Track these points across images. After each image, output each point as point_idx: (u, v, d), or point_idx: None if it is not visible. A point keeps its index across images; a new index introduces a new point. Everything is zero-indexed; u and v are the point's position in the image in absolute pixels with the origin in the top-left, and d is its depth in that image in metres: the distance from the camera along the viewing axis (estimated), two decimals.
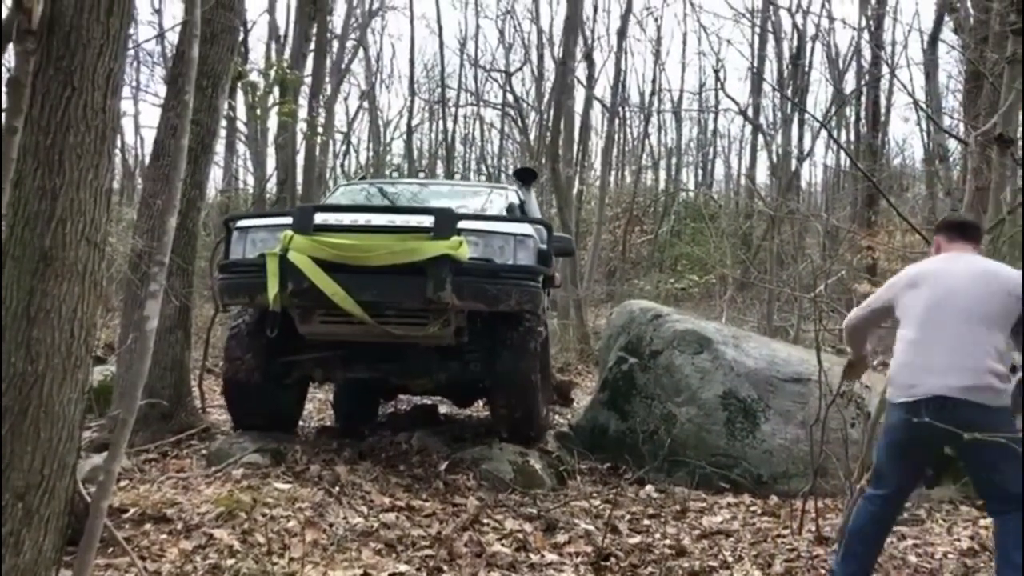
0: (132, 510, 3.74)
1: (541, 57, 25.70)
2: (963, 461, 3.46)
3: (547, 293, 5.91)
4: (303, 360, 5.64)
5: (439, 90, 28.76)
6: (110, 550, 3.25)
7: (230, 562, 3.28)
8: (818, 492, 4.62)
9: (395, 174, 7.76)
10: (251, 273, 4.89)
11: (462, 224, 4.89)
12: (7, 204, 2.02)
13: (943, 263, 3.53)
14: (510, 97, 27.82)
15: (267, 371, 5.45)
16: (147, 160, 9.03)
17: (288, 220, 4.96)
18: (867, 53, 20.84)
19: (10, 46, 2.08)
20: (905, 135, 59.20)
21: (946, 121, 14.45)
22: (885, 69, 18.88)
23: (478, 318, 5.37)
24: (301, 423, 6.72)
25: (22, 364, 2.01)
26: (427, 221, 4.88)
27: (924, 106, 15.10)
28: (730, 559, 4.17)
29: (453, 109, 28.50)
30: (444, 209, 5.08)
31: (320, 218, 4.95)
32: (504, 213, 6.53)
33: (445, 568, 3.64)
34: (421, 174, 7.50)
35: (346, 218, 5.04)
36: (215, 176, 20.81)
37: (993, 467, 3.20)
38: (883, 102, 21.66)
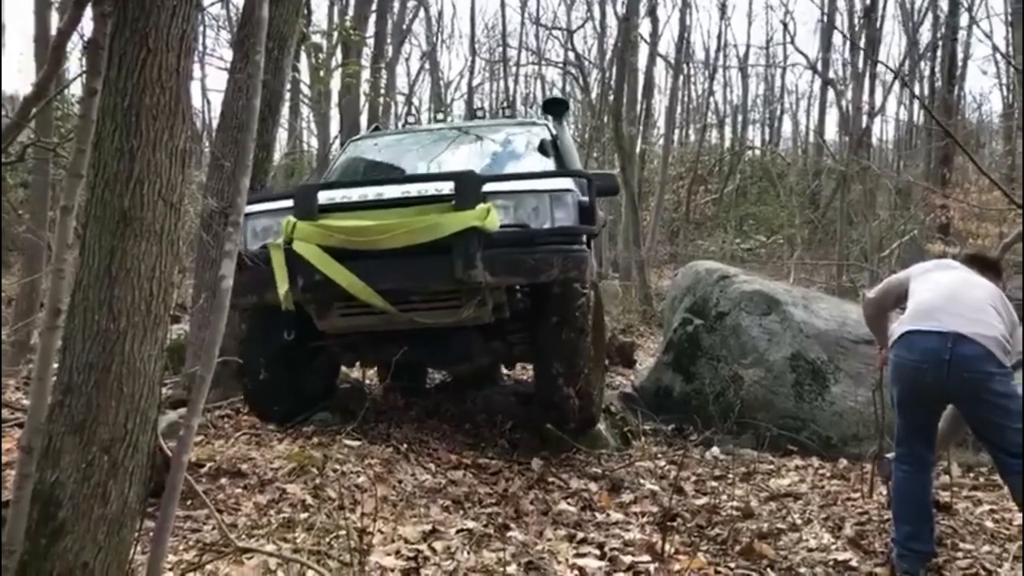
0: (208, 465, 3.85)
1: (603, 14, 25.42)
2: (969, 419, 3.60)
3: (597, 231, 5.17)
4: (330, 345, 5.10)
5: (500, 49, 28.69)
6: (189, 502, 3.36)
7: (303, 516, 3.35)
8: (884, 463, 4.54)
9: (411, 119, 7.16)
10: (256, 268, 4.29)
11: (488, 187, 4.28)
12: (88, 165, 2.06)
13: (967, 269, 3.84)
14: (572, 55, 27.50)
15: (289, 372, 4.90)
16: (214, 123, 9.18)
17: (291, 203, 4.40)
18: (944, 3, 20.04)
19: (88, 9, 2.11)
20: (983, 89, 56.98)
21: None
22: (964, 20, 18.12)
23: (518, 290, 4.72)
24: (368, 382, 6.82)
25: (105, 321, 2.06)
26: (447, 188, 4.29)
27: (1008, 57, 14.46)
28: (799, 521, 4.13)
29: (514, 68, 28.38)
30: (466, 173, 4.43)
31: (325, 197, 4.41)
32: (536, 152, 5.86)
33: (512, 525, 3.67)
34: (440, 115, 6.85)
35: (355, 193, 4.45)
36: (280, 139, 21.09)
37: (999, 426, 3.38)
38: (960, 55, 20.86)
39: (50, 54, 2.61)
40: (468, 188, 4.21)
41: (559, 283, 4.48)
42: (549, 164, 5.69)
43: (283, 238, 4.21)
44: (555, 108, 6.66)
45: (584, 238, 4.56)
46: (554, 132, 6.17)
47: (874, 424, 5.24)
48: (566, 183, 4.51)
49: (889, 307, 4.11)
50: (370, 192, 4.44)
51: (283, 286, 4.16)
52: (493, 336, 4.96)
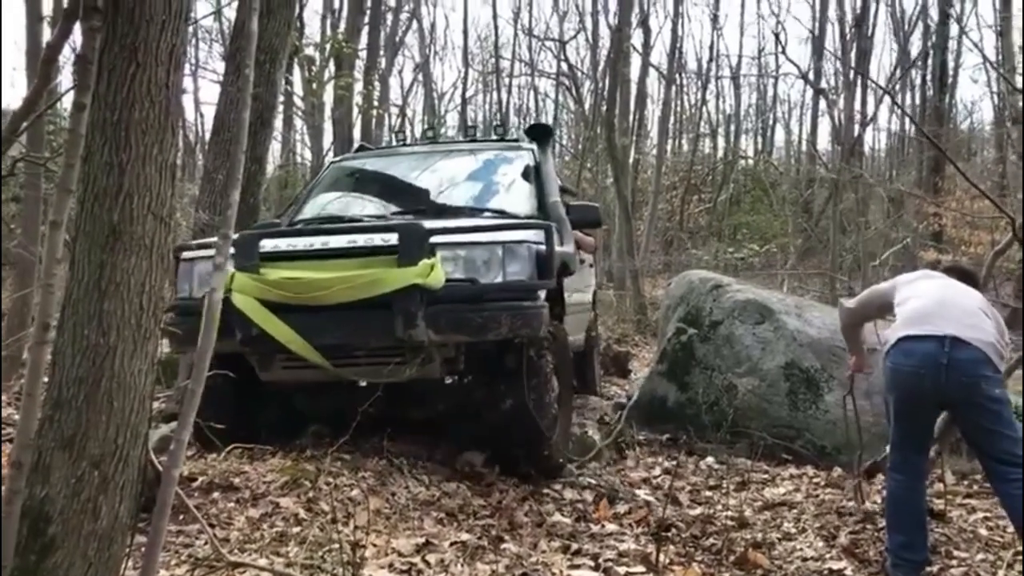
0: (201, 479, 3.84)
1: (596, 24, 25.50)
2: (961, 424, 3.63)
3: (568, 273, 4.86)
4: (276, 393, 4.88)
5: (493, 60, 28.77)
6: (181, 517, 3.34)
7: (296, 529, 3.34)
8: (884, 464, 4.54)
9: (400, 136, 6.86)
10: (198, 316, 3.92)
11: (436, 239, 4.08)
12: (77, 179, 2.06)
13: (948, 278, 3.88)
14: (564, 66, 27.67)
15: (240, 422, 4.54)
16: (207, 136, 9.19)
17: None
18: (935, 13, 20.19)
19: (77, 24, 2.12)
20: (974, 98, 57.42)
21: (1019, 81, 13.91)
22: (954, 29, 18.25)
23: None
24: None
25: (94, 336, 2.05)
26: (393, 239, 4.10)
27: (996, 66, 14.57)
28: (793, 531, 4.13)
29: (507, 80, 28.47)
30: (410, 226, 4.22)
31: (270, 245, 4.26)
32: (518, 178, 5.70)
33: (506, 537, 3.66)
34: (431, 131, 6.70)
35: (300, 242, 4.32)
36: (274, 151, 21.12)
37: (990, 432, 3.41)
38: (951, 64, 21.01)
39: (40, 69, 2.62)
40: (412, 242, 4.03)
41: (512, 341, 4.25)
42: (529, 192, 5.58)
43: (223, 288, 3.97)
44: (539, 134, 6.27)
45: (540, 293, 4.26)
46: (538, 159, 5.91)
47: (867, 432, 5.26)
48: (521, 234, 4.26)
49: (870, 317, 4.19)
50: (317, 241, 4.29)
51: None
52: (453, 383, 4.66)
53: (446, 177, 5.86)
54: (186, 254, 4.53)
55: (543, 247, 4.23)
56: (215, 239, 4.60)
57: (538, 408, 4.37)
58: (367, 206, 5.66)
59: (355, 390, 4.39)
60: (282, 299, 4.01)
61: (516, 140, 6.45)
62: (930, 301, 3.64)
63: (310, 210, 5.76)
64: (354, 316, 4.00)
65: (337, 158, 7.18)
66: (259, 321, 3.98)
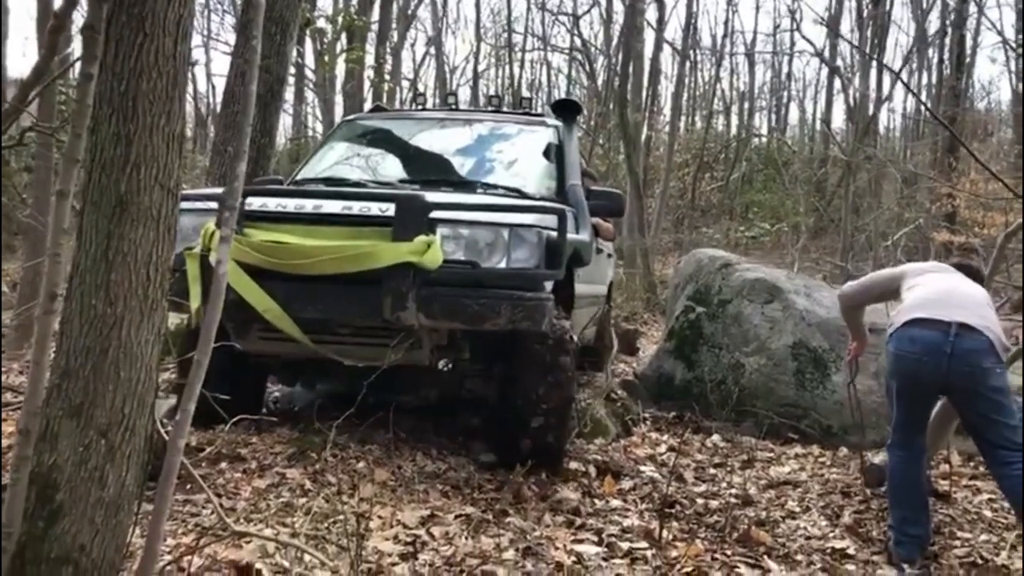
0: (208, 449, 3.87)
1: None
2: (962, 411, 3.66)
3: (581, 263, 4.53)
4: (266, 363, 4.62)
5: (505, 35, 28.58)
6: (188, 487, 3.37)
7: (302, 500, 3.37)
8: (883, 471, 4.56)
9: (419, 100, 6.61)
10: (175, 272, 3.52)
11: (437, 214, 3.77)
12: (84, 150, 2.06)
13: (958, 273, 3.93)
14: (577, 41, 27.48)
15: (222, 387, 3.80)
16: (219, 108, 9.18)
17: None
18: None
19: None
20: (992, 77, 56.78)
21: None
22: (973, 7, 18.02)
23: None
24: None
25: (101, 306, 2.07)
26: (391, 209, 3.78)
27: (1014, 45, 14.39)
28: (797, 509, 4.15)
29: (520, 54, 28.30)
30: (410, 196, 3.94)
31: (256, 204, 3.89)
32: (540, 156, 5.42)
33: (511, 511, 3.68)
34: (452, 97, 6.51)
35: (290, 203, 3.95)
36: (285, 124, 21.12)
37: (991, 420, 3.44)
38: (969, 42, 20.76)
39: (47, 38, 2.61)
40: (409, 215, 3.73)
41: (512, 333, 3.94)
42: (549, 172, 5.32)
43: (200, 247, 3.75)
44: (565, 110, 5.80)
45: (547, 284, 3.96)
46: (561, 138, 5.50)
47: (875, 413, 5.26)
48: (531, 218, 3.93)
49: (869, 302, 4.24)
50: (308, 203, 3.95)
51: (195, 301, 3.67)
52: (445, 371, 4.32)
53: (461, 148, 5.59)
54: None
55: (554, 233, 3.88)
56: (199, 191, 4.51)
57: (536, 400, 4.10)
58: (371, 170, 5.42)
59: (336, 371, 4.12)
60: (260, 263, 3.70)
61: (541, 115, 6.15)
62: (938, 289, 3.69)
63: (312, 168, 5.51)
64: (340, 290, 3.73)
65: (350, 116, 6.95)
66: (236, 286, 3.61)
